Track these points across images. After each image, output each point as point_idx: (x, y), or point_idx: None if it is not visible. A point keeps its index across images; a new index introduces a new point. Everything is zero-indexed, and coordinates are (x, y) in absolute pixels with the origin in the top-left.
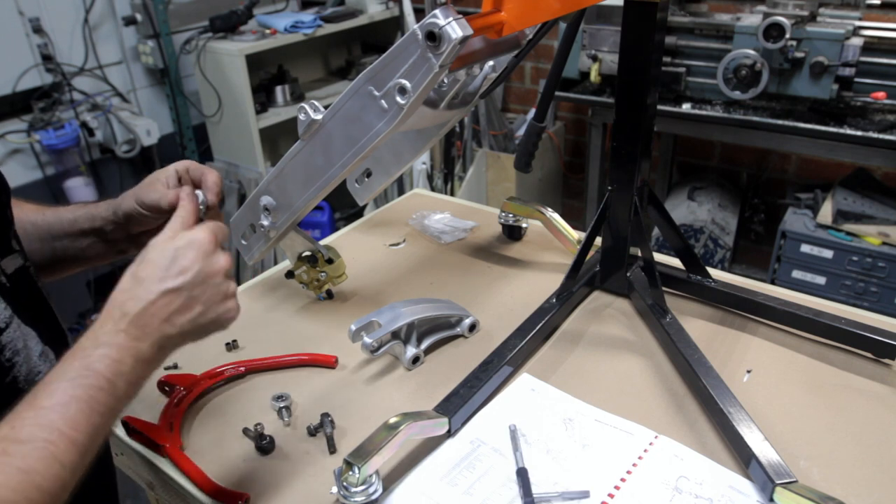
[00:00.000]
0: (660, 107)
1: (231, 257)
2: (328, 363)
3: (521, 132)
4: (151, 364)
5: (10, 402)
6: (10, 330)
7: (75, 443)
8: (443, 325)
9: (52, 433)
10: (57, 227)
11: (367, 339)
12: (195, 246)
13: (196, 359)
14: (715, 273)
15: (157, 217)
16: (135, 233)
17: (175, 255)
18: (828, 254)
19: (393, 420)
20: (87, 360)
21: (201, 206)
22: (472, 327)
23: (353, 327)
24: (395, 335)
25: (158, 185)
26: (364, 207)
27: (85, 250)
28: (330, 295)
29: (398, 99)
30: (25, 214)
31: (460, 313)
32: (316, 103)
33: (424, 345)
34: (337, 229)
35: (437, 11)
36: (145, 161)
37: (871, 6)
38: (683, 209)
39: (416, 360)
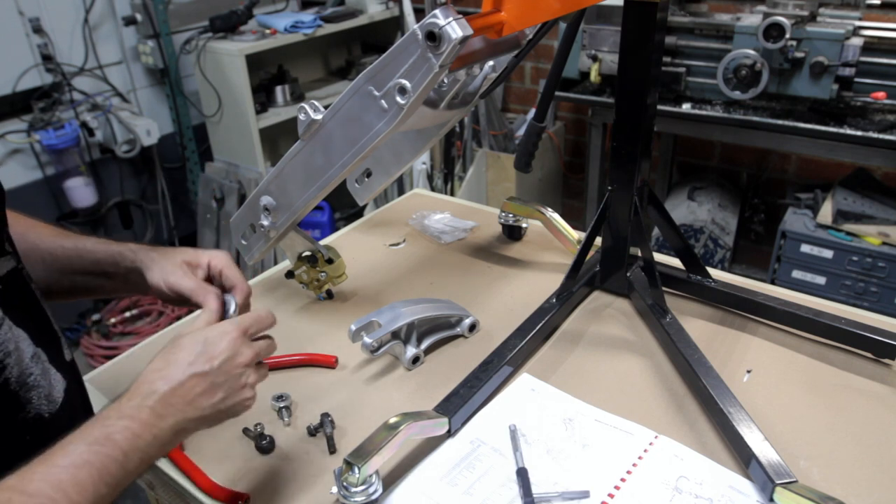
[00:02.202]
0: (660, 107)
1: (259, 348)
2: (328, 363)
3: (521, 132)
4: (165, 446)
5: (2, 405)
6: (2, 331)
7: None
8: (443, 325)
9: (58, 492)
10: (78, 263)
11: (367, 339)
12: (226, 337)
13: None
14: (715, 273)
15: (176, 298)
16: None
17: (205, 343)
18: (828, 254)
19: (393, 420)
20: (108, 430)
21: (233, 313)
22: (472, 327)
23: (353, 327)
24: (395, 335)
25: (187, 275)
26: (364, 207)
27: (104, 286)
28: (330, 295)
29: (398, 99)
30: (44, 242)
31: (460, 313)
32: (316, 103)
33: (424, 345)
34: (337, 229)
35: (437, 11)
36: (145, 161)
37: (871, 6)
38: (683, 209)
39: (416, 360)
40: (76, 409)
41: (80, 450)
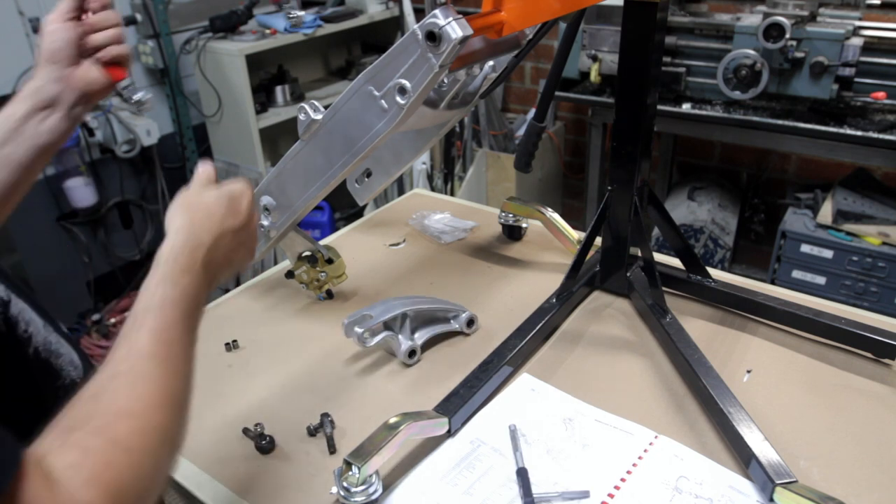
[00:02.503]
0: (660, 107)
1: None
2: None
3: (521, 132)
4: (207, 293)
5: (40, 374)
6: (13, 303)
7: (187, 358)
8: (438, 318)
9: (168, 348)
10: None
11: (358, 329)
12: (245, 197)
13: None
14: (715, 273)
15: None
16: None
17: (230, 200)
18: (828, 254)
19: (393, 420)
20: (180, 287)
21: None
22: (471, 323)
23: (346, 321)
24: (387, 326)
25: (75, 64)
26: (364, 207)
27: (39, 135)
28: (330, 295)
29: (398, 99)
30: None
31: (456, 308)
32: (316, 103)
33: (420, 339)
34: (337, 229)
35: (437, 11)
36: (145, 161)
37: (871, 6)
38: (683, 209)
39: (412, 353)
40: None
41: (167, 309)
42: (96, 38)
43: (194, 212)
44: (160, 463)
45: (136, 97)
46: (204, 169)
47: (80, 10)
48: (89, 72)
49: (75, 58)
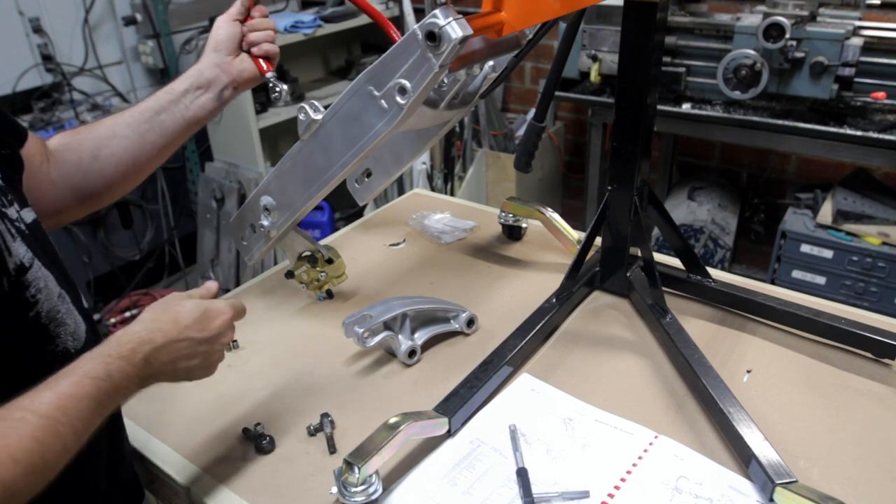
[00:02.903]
0: (660, 107)
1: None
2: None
3: (521, 132)
4: (139, 390)
5: (32, 336)
6: (33, 269)
7: (77, 432)
8: (438, 318)
9: (64, 417)
10: (156, 105)
11: (358, 329)
12: (222, 316)
13: None
14: (715, 273)
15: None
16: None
17: (205, 314)
18: (828, 254)
19: (393, 420)
20: (108, 368)
21: None
22: (471, 323)
23: (346, 321)
24: (387, 326)
25: (234, 55)
26: (364, 207)
27: (189, 108)
28: (330, 295)
29: (398, 99)
30: (120, 117)
31: (456, 308)
32: (316, 103)
33: (420, 339)
34: (337, 229)
35: (437, 11)
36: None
37: (871, 6)
38: (683, 209)
39: (412, 353)
40: None
41: (84, 382)
42: (254, 36)
43: (163, 312)
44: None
45: (278, 88)
46: (208, 286)
47: (246, 13)
48: (243, 62)
49: (235, 49)
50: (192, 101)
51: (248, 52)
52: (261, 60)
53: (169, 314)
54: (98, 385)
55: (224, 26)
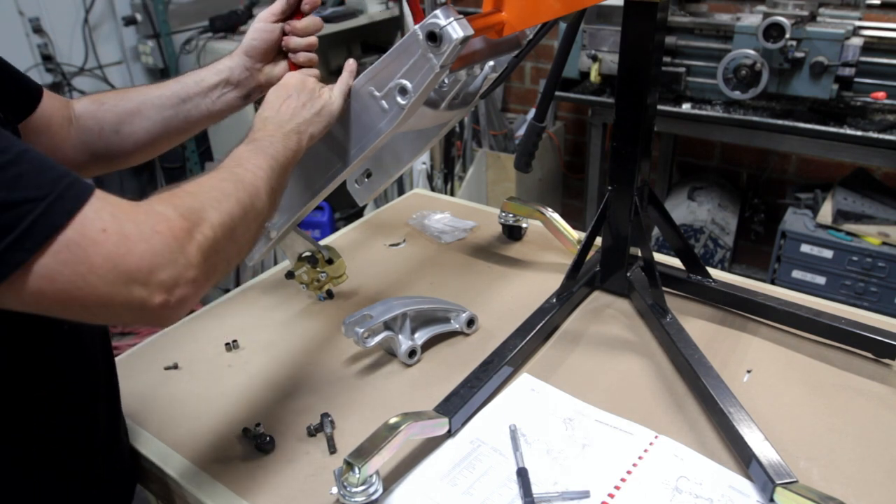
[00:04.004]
0: (660, 107)
1: (315, 74)
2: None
3: (521, 132)
4: (298, 143)
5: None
6: None
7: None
8: (439, 318)
9: (254, 167)
10: (183, 92)
11: (358, 329)
12: (292, 77)
13: (196, 359)
14: (715, 273)
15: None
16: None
17: (279, 85)
18: (828, 254)
19: (393, 420)
20: (253, 144)
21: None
22: (471, 323)
23: (346, 321)
24: (387, 326)
25: (267, 61)
26: (364, 207)
27: (215, 103)
28: (330, 295)
29: (399, 99)
30: (147, 95)
31: (456, 308)
32: None
33: (420, 339)
34: (337, 229)
35: (437, 12)
36: (145, 161)
37: (871, 6)
38: (683, 209)
39: (412, 353)
40: None
41: (244, 150)
42: (294, 42)
43: (272, 92)
44: (234, 222)
45: None
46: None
47: (289, 14)
48: (276, 68)
49: (269, 56)
50: (219, 97)
51: (286, 55)
52: (298, 68)
53: (263, 104)
54: (253, 148)
55: (261, 33)
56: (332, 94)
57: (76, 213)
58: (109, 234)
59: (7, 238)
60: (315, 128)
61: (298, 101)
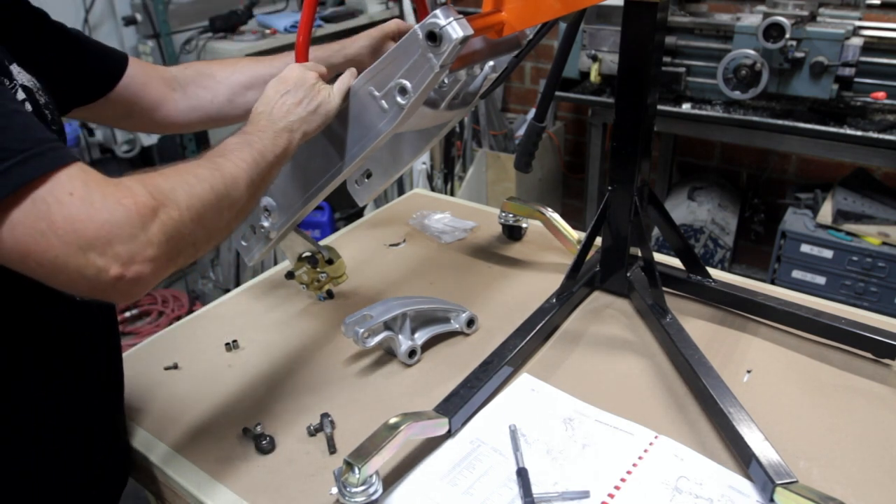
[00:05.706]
0: (660, 107)
1: (319, 69)
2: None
3: (521, 132)
4: (287, 142)
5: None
6: None
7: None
8: (439, 318)
9: (239, 161)
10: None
11: (359, 329)
12: (293, 70)
13: (196, 359)
14: (715, 273)
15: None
16: None
17: (279, 78)
18: (828, 254)
19: (393, 420)
20: (244, 138)
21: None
22: (471, 323)
23: (346, 321)
24: (387, 326)
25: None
26: (364, 207)
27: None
28: (330, 295)
29: (399, 99)
30: (257, 71)
31: (456, 308)
32: None
33: (420, 339)
34: (337, 229)
35: (437, 11)
36: (145, 161)
37: (871, 6)
38: (683, 209)
39: (412, 353)
40: None
41: (233, 142)
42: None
43: (270, 86)
44: (204, 207)
45: None
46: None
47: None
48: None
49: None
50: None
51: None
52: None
53: (260, 98)
54: (241, 141)
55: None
56: (331, 93)
57: (51, 174)
58: (75, 199)
59: None
60: (309, 126)
61: (295, 97)
